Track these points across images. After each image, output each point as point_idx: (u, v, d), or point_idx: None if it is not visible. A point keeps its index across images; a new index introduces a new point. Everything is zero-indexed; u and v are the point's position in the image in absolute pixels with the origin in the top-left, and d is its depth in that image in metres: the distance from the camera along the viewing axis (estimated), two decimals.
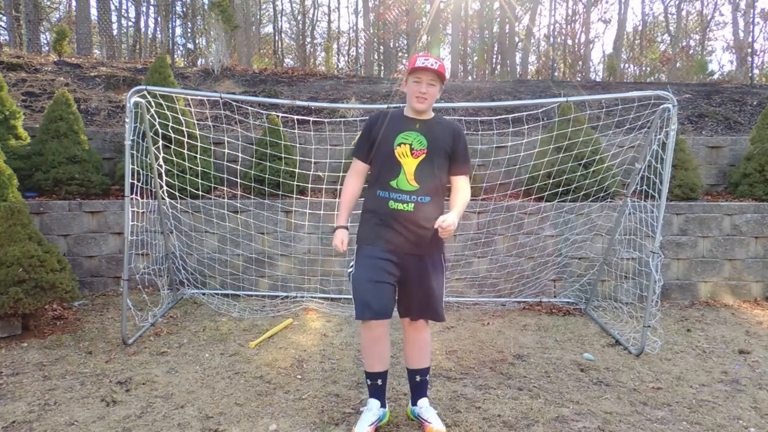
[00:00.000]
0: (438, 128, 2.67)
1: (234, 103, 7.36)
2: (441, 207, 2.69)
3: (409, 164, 2.59)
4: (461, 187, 2.73)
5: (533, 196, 5.81)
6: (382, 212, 2.61)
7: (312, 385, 3.29)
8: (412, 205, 2.57)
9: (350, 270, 2.69)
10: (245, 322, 4.58)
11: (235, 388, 3.24)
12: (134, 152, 4.97)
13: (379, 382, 2.71)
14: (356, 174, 2.78)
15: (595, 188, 5.57)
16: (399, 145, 2.60)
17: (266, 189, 5.74)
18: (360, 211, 2.79)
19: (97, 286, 5.43)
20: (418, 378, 2.79)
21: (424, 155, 2.60)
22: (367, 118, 2.77)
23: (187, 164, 5.61)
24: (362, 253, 2.65)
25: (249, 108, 7.29)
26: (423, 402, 2.77)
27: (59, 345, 3.94)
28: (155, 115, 4.72)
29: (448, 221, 2.43)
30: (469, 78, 14.87)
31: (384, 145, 2.63)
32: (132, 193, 4.09)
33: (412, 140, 2.61)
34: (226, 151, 6.19)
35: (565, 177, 5.64)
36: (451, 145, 2.66)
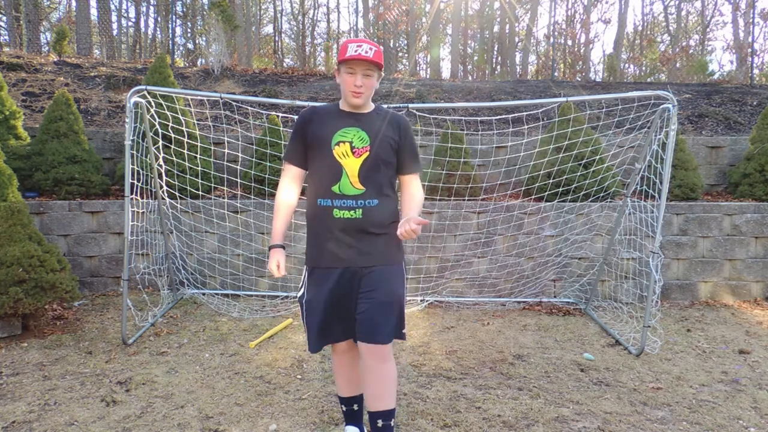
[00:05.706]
0: (380, 121, 2.33)
1: (234, 103, 7.35)
2: (392, 208, 2.34)
3: (352, 165, 2.24)
4: (413, 188, 2.40)
5: (533, 196, 5.81)
6: (326, 224, 2.27)
7: (312, 385, 3.29)
8: (360, 210, 2.23)
9: (299, 294, 2.39)
10: (245, 322, 4.58)
11: (235, 388, 3.24)
12: (134, 152, 4.97)
13: (355, 407, 2.49)
14: (291, 180, 2.39)
15: (595, 188, 5.57)
16: (337, 144, 2.26)
17: (266, 189, 5.74)
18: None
19: (97, 286, 5.43)
20: (380, 423, 2.29)
21: (367, 153, 2.25)
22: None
23: (187, 164, 5.61)
24: (313, 275, 2.33)
25: (249, 108, 7.28)
26: None
27: (59, 345, 3.94)
28: (155, 115, 4.72)
29: (417, 222, 2.07)
30: (469, 78, 14.88)
31: (320, 146, 2.28)
32: (132, 193, 4.09)
33: (352, 137, 2.26)
34: (226, 151, 6.19)
35: (565, 177, 5.64)
36: (396, 139, 2.33)
